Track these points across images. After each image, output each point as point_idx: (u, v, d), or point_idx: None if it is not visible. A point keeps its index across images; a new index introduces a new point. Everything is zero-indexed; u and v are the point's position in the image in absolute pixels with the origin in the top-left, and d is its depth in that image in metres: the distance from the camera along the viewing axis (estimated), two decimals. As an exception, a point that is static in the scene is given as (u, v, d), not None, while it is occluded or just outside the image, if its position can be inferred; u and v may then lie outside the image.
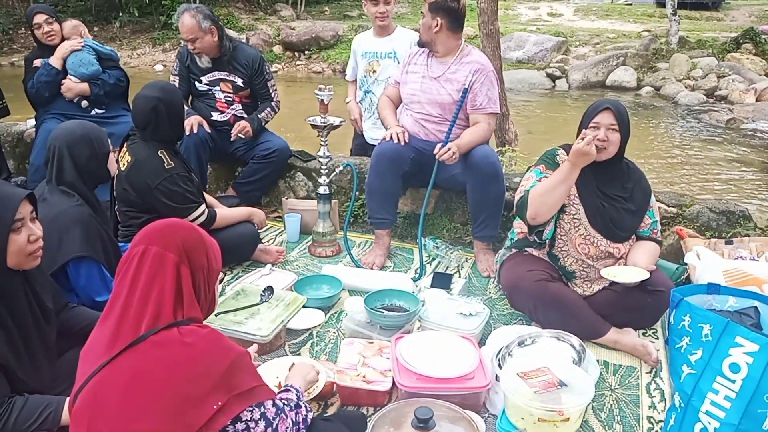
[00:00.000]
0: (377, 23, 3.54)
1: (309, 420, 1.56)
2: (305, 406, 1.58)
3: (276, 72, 12.71)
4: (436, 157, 2.84)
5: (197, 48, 3.40)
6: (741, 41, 12.16)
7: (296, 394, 1.60)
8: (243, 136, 3.48)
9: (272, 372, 2.02)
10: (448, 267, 3.10)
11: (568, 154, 2.44)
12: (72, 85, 3.65)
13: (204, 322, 2.15)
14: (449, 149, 2.81)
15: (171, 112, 2.65)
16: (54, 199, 2.21)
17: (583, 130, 2.37)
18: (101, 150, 2.29)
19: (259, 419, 1.37)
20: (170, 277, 1.36)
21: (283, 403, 1.48)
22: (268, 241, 3.36)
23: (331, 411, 2.04)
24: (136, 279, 1.35)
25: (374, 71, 3.65)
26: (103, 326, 1.36)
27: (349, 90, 3.91)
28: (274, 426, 1.40)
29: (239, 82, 3.53)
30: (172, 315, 1.35)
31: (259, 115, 3.57)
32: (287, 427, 1.44)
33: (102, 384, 1.29)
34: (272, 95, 3.64)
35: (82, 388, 1.31)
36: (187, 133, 3.33)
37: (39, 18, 3.62)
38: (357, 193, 3.29)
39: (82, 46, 3.67)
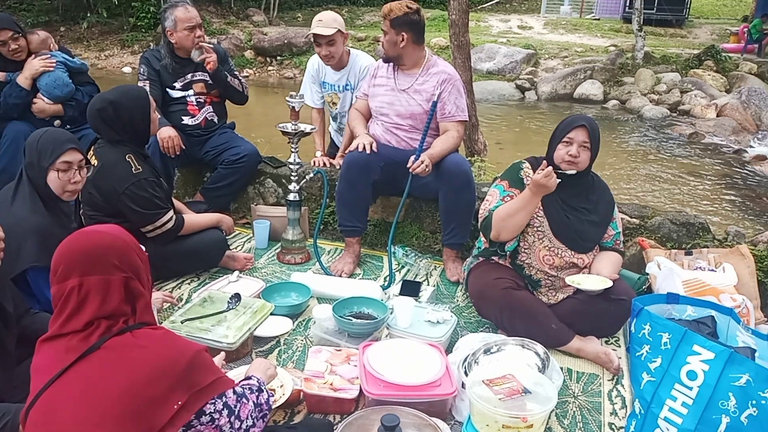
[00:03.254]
0: (323, 62, 3.53)
1: (272, 403, 1.59)
2: (267, 391, 1.59)
3: (247, 77, 12.64)
4: (410, 170, 2.86)
5: (200, 36, 3.39)
6: (703, 58, 12.56)
7: (258, 380, 1.62)
8: (206, 54, 3.37)
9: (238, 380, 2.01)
10: (417, 275, 3.12)
11: (533, 168, 2.49)
12: (45, 107, 3.48)
13: (171, 330, 2.15)
14: (422, 162, 2.84)
15: (122, 115, 2.58)
16: (15, 206, 2.18)
17: (543, 161, 2.42)
18: (39, 163, 2.18)
19: (222, 409, 1.39)
20: (119, 296, 1.34)
21: (243, 389, 1.50)
22: (236, 248, 3.34)
23: (297, 419, 2.04)
24: (80, 313, 1.31)
25: (334, 103, 3.70)
26: (52, 341, 1.33)
27: (315, 129, 3.54)
28: (237, 412, 1.42)
29: (211, 80, 3.52)
30: (124, 323, 1.34)
31: (235, 77, 3.56)
32: (249, 410, 1.47)
33: (56, 396, 1.26)
34: (241, 78, 3.64)
35: (33, 403, 1.28)
36: (171, 154, 3.31)
37: (3, 35, 3.38)
38: (327, 200, 3.30)
39: (54, 66, 3.47)
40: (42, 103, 3.48)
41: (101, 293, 1.32)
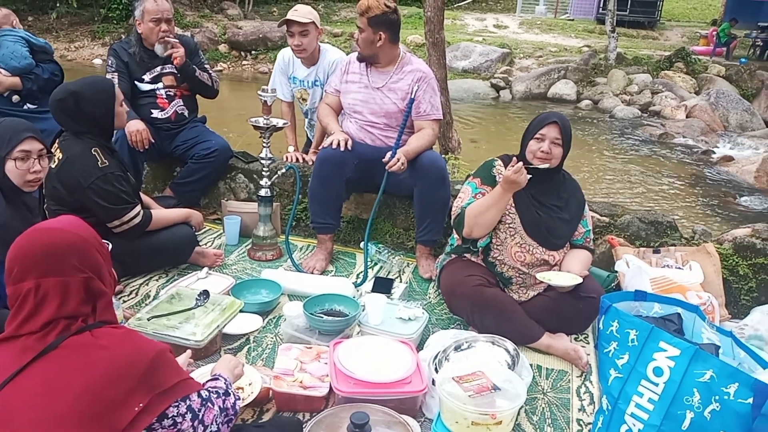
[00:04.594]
0: (295, 55, 3.49)
1: (238, 407, 1.54)
2: (234, 394, 1.55)
3: (221, 71, 12.49)
4: (386, 168, 2.85)
5: (169, 31, 3.32)
6: (674, 60, 12.80)
7: (225, 383, 1.57)
8: (173, 50, 3.30)
9: (206, 378, 1.97)
10: (389, 272, 3.11)
11: (505, 166, 2.51)
12: (2, 79, 3.45)
13: (136, 328, 2.11)
14: (398, 159, 2.83)
15: (83, 108, 2.52)
16: None
17: (514, 158, 2.44)
18: None
19: (186, 412, 1.34)
20: (78, 297, 1.29)
21: (209, 392, 1.45)
22: (206, 244, 3.29)
23: (266, 418, 2.01)
24: (38, 315, 1.26)
25: (304, 99, 3.67)
26: (7, 342, 1.28)
27: (285, 118, 3.54)
28: (201, 417, 1.37)
29: (179, 74, 3.46)
30: (83, 322, 1.29)
31: (206, 73, 3.51)
32: (214, 415, 1.42)
33: (12, 397, 1.22)
34: (211, 72, 3.59)
35: None
36: (140, 149, 3.25)
37: None
38: (300, 196, 3.26)
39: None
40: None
41: (60, 295, 1.27)
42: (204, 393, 1.43)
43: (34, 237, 1.31)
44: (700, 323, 2.11)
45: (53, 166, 2.55)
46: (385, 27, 2.92)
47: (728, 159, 8.26)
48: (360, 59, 3.05)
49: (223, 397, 1.49)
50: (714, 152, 8.68)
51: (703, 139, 9.23)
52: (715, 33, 15.94)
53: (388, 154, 2.86)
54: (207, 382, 1.57)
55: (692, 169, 7.81)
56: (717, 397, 1.69)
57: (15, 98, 3.51)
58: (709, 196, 6.79)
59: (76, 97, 2.51)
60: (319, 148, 3.15)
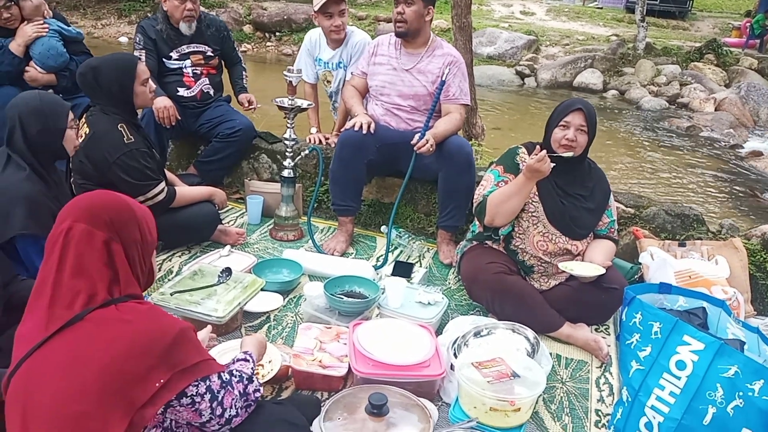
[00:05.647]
0: (332, 37, 3.46)
1: (259, 395, 1.53)
2: (257, 382, 1.54)
3: (245, 52, 12.49)
4: (414, 149, 2.83)
5: (194, 9, 3.35)
6: (704, 51, 12.49)
7: (251, 367, 1.57)
8: (255, 106, 3.67)
9: (228, 354, 2.00)
10: (409, 256, 3.11)
11: (529, 153, 2.48)
12: (38, 76, 3.38)
13: (159, 303, 2.14)
14: (427, 141, 2.81)
15: (101, 83, 2.54)
16: (7, 171, 2.14)
17: (537, 146, 2.40)
18: (55, 125, 2.17)
19: (205, 393, 1.35)
20: (100, 255, 1.31)
21: (231, 375, 1.45)
22: (228, 223, 3.31)
23: (285, 395, 2.03)
24: (64, 258, 1.29)
25: (329, 81, 3.68)
26: (35, 308, 1.30)
27: (312, 105, 3.49)
28: (219, 399, 1.38)
29: (209, 51, 3.49)
30: (107, 293, 1.30)
31: (244, 84, 3.72)
32: (233, 399, 1.42)
33: (36, 366, 1.24)
34: (240, 57, 3.76)
35: (15, 371, 1.25)
36: (166, 125, 3.28)
37: None
38: (322, 178, 3.26)
39: (47, 31, 3.38)
40: (35, 72, 3.41)
41: (83, 243, 1.30)
42: (225, 376, 1.43)
43: (96, 194, 1.40)
44: (726, 318, 2.08)
45: (80, 141, 2.57)
46: (432, 4, 2.96)
47: (757, 154, 8.07)
48: (400, 34, 3.00)
49: (246, 383, 1.48)
50: (743, 147, 8.48)
51: (731, 133, 9.02)
52: (748, 24, 15.50)
53: (417, 136, 2.85)
54: (237, 360, 1.57)
55: (720, 163, 7.65)
56: (741, 393, 1.67)
57: (50, 92, 3.49)
58: (736, 190, 6.66)
59: (95, 72, 2.54)
60: (342, 130, 3.14)
